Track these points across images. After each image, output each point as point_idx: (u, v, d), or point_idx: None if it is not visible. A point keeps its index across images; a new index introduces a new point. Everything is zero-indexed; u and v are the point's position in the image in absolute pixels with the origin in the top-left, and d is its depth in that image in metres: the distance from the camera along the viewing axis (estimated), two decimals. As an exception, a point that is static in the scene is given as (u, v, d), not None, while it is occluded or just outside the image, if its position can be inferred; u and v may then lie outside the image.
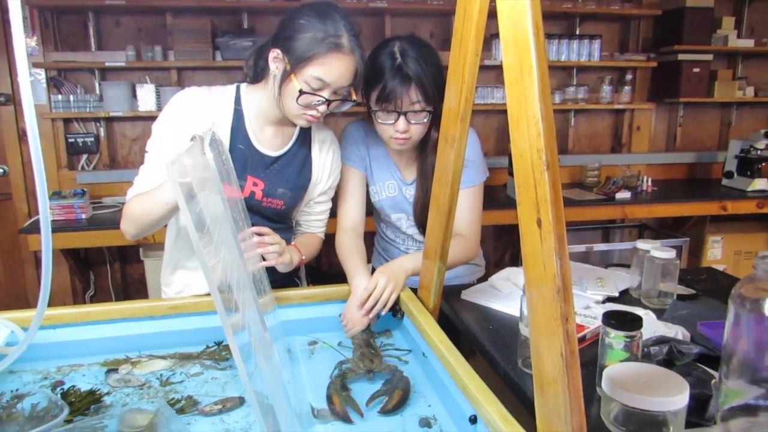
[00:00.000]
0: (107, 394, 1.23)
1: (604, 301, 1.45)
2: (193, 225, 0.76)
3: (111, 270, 3.57)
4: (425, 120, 1.50)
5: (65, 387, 1.23)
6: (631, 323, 0.98)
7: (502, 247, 3.95)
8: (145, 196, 1.36)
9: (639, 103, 3.99)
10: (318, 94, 1.35)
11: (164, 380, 1.29)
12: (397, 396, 1.16)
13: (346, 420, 1.12)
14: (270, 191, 1.50)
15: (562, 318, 0.77)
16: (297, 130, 1.54)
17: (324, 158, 1.59)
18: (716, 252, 3.92)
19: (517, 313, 1.36)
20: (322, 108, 1.39)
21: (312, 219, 1.66)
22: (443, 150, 1.24)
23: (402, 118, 1.47)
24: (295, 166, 1.54)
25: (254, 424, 1.13)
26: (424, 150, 1.59)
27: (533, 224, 0.82)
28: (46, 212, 0.83)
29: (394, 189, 1.69)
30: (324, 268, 3.57)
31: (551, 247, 0.78)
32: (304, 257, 1.52)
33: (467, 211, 1.61)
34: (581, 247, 3.51)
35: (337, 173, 1.64)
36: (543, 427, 0.85)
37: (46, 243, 0.87)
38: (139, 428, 1.12)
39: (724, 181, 3.80)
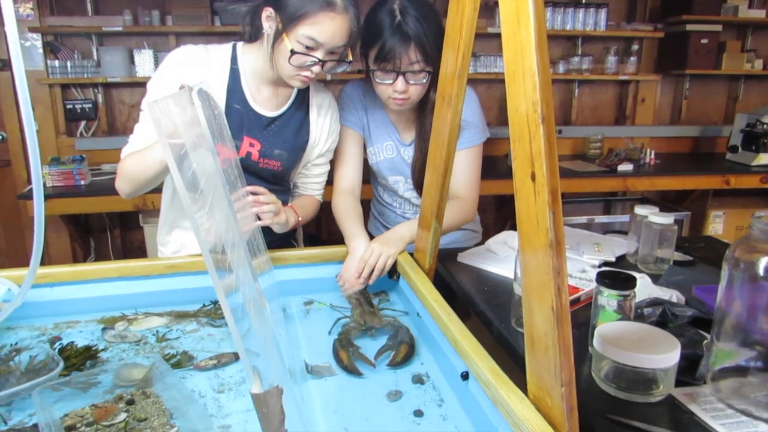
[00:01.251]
0: (103, 349, 1.24)
1: (600, 266, 1.45)
2: (183, 185, 0.76)
3: (111, 236, 3.57)
4: (424, 80, 1.48)
5: (63, 343, 1.24)
6: (625, 283, 0.98)
7: (502, 217, 3.94)
8: (140, 154, 1.35)
9: (645, 75, 3.94)
10: (310, 54, 1.33)
11: (160, 336, 1.30)
12: (403, 349, 1.17)
13: (356, 373, 1.13)
14: (267, 152, 1.49)
15: (554, 272, 0.77)
16: (294, 91, 1.53)
17: (322, 120, 1.57)
18: (718, 227, 3.91)
19: (512, 276, 1.36)
20: (316, 69, 1.37)
21: (310, 181, 1.65)
22: (440, 109, 1.22)
23: (401, 78, 1.45)
24: (292, 127, 1.53)
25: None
26: (423, 111, 1.58)
27: (527, 179, 0.81)
28: (37, 162, 0.82)
29: (392, 150, 1.68)
30: (324, 237, 3.57)
31: (545, 201, 0.78)
32: (300, 218, 1.51)
33: (465, 174, 1.60)
34: (582, 219, 3.50)
35: (336, 135, 1.62)
36: (533, 381, 0.85)
37: (38, 196, 0.87)
38: (134, 382, 1.13)
39: (729, 156, 3.78)
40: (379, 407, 1.04)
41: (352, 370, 1.13)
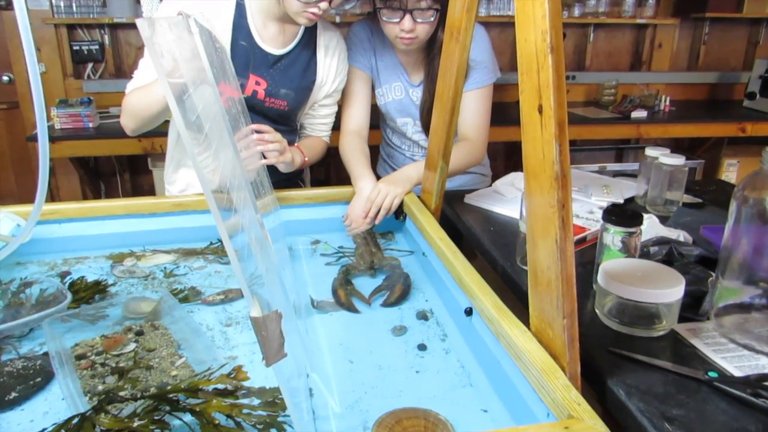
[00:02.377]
0: (112, 284, 1.26)
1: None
2: (184, 126, 0.75)
3: (121, 181, 3.59)
4: (432, 18, 1.44)
5: (73, 277, 1.25)
6: (631, 220, 0.97)
7: (512, 165, 3.90)
8: (143, 90, 1.34)
9: (663, 18, 3.83)
10: None
11: (168, 272, 1.32)
12: (398, 291, 1.18)
13: (353, 310, 1.14)
14: (273, 91, 1.47)
15: (558, 204, 0.76)
16: (301, 29, 1.49)
17: (330, 60, 1.55)
18: (731, 175, 3.86)
19: (518, 217, 1.35)
20: (323, 5, 1.33)
21: (317, 122, 1.63)
22: (448, 44, 1.19)
23: (408, 17, 1.42)
24: (299, 66, 1.50)
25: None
26: (432, 51, 1.54)
27: (534, 112, 0.80)
28: (39, 90, 0.81)
29: (401, 91, 1.65)
30: (333, 183, 3.56)
31: (551, 134, 0.76)
32: (306, 159, 1.50)
33: (473, 115, 1.58)
34: (593, 167, 3.47)
35: (344, 75, 1.60)
36: (535, 314, 0.86)
37: (42, 127, 0.86)
38: (143, 315, 1.15)
39: (746, 103, 3.69)
40: (383, 341, 1.05)
41: (349, 307, 1.15)
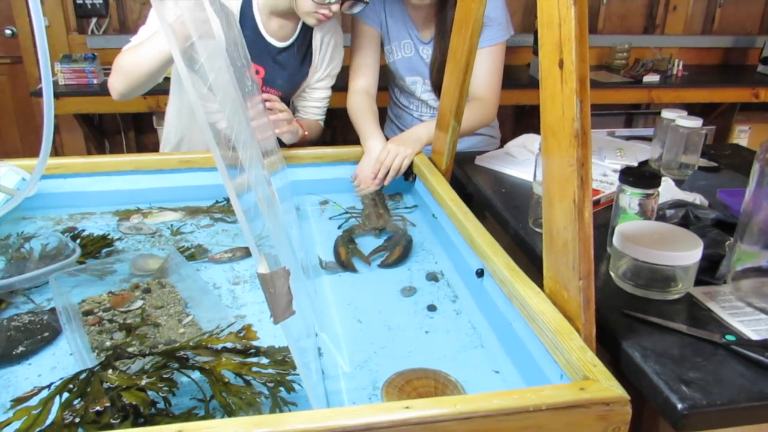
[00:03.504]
0: (119, 239, 1.25)
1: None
2: (184, 67, 0.72)
3: (126, 139, 3.55)
4: None
5: (78, 232, 1.24)
6: (649, 181, 0.95)
7: (521, 129, 3.85)
8: (138, 46, 1.30)
9: (678, -21, 3.72)
10: None
11: (175, 230, 1.30)
12: (397, 251, 1.16)
13: (351, 269, 1.13)
14: (270, 80, 1.49)
15: (577, 163, 0.73)
16: (300, 23, 1.50)
17: (325, 46, 1.56)
18: (742, 142, 3.80)
19: (531, 179, 1.33)
20: (335, 7, 1.34)
21: (309, 105, 1.62)
22: (464, -2, 1.15)
23: None
24: (297, 59, 1.52)
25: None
26: (444, 6, 1.50)
27: (554, 67, 0.77)
28: (43, 39, 0.79)
29: (410, 49, 1.61)
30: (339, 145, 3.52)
31: (572, 89, 0.73)
32: (306, 133, 1.49)
33: (485, 74, 1.54)
34: (602, 132, 3.41)
35: (338, 61, 1.60)
36: (550, 275, 0.84)
37: (46, 77, 0.84)
38: (150, 272, 1.14)
39: (760, 68, 3.61)
40: (392, 302, 1.04)
41: (348, 266, 1.14)
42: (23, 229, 1.27)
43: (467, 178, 1.44)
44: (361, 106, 1.53)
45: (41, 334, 0.95)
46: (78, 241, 1.18)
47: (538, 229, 1.13)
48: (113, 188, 1.41)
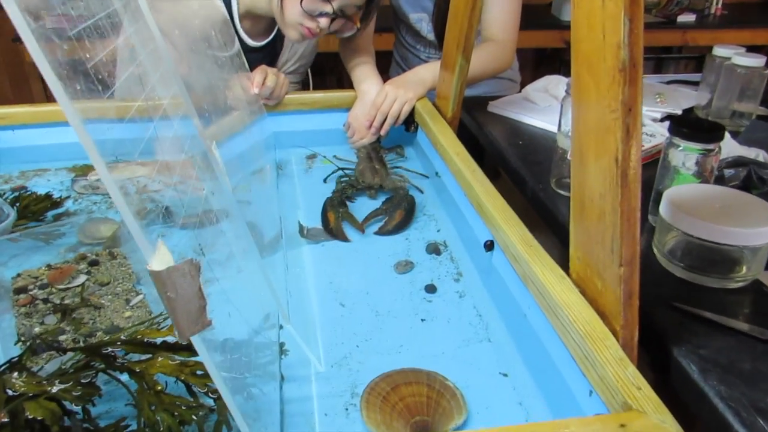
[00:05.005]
0: (70, 199, 1.07)
1: (662, 119, 1.19)
2: None
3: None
4: None
5: (21, 193, 1.07)
6: (710, 132, 0.74)
7: (541, 75, 3.59)
8: None
9: None
10: (326, 1, 1.12)
11: (140, 187, 1.12)
12: (398, 216, 0.97)
13: (341, 238, 0.95)
14: None
15: (623, 108, 0.53)
16: (276, 27, 1.34)
17: (298, 47, 1.39)
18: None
19: (554, 129, 1.12)
20: (323, 23, 1.15)
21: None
22: None
23: None
24: (267, 59, 1.35)
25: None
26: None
27: (593, -22, 0.56)
28: None
29: (414, -22, 1.38)
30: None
31: (618, 4, 0.53)
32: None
33: (502, 11, 1.31)
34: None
35: (308, 60, 1.44)
36: (578, 256, 0.65)
37: None
38: (101, 239, 0.97)
39: (809, 6, 3.30)
40: (384, 280, 0.86)
41: (337, 234, 0.95)
42: (-36, 187, 1.11)
43: (478, 128, 1.23)
44: (354, 42, 1.32)
45: (-44, 318, 0.79)
46: (11, 198, 1.01)
47: (561, 191, 0.93)
48: (70, 141, 1.22)
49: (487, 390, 0.67)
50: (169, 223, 0.59)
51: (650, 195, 0.83)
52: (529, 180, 0.99)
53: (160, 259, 0.37)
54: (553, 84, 1.30)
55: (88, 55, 0.39)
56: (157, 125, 0.50)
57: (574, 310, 0.61)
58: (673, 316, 0.65)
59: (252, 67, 1.31)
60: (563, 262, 0.69)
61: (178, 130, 0.58)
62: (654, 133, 1.06)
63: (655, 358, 0.62)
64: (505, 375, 0.69)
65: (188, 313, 0.38)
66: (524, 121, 1.22)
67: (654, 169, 0.83)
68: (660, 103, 1.24)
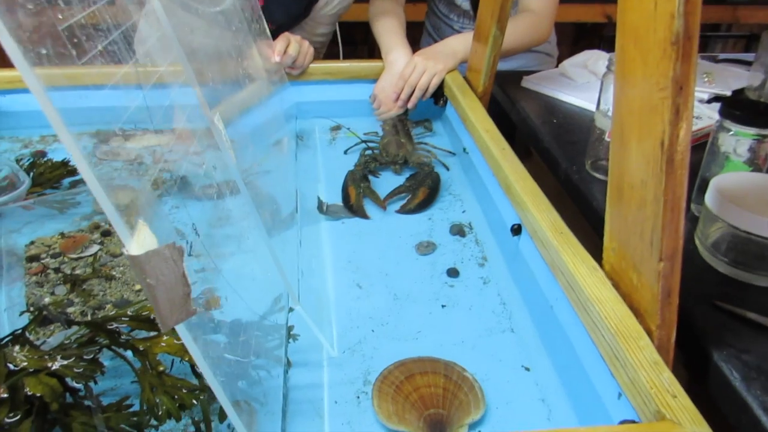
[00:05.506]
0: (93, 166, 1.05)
1: (709, 101, 1.11)
2: None
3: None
4: None
5: (38, 160, 1.05)
6: (765, 116, 0.68)
7: (580, 51, 3.47)
8: None
9: None
10: None
11: (158, 157, 1.10)
12: (421, 194, 0.93)
13: (361, 215, 0.91)
14: (268, 14, 1.20)
15: (674, 85, 0.48)
16: None
17: None
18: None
19: (592, 107, 1.06)
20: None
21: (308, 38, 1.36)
22: None
23: None
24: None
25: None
26: None
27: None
28: None
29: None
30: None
31: (673, -31, 0.47)
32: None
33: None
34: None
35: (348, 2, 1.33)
36: (613, 247, 0.60)
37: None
38: (119, 207, 0.95)
39: None
40: (404, 261, 0.82)
41: (357, 211, 0.91)
42: (-16, 151, 1.10)
43: (511, 104, 1.17)
44: (383, 10, 1.26)
45: (-33, 284, 0.78)
46: (28, 164, 0.99)
47: (597, 174, 0.88)
48: (93, 105, 1.20)
49: (507, 384, 0.63)
50: (167, 195, 0.56)
51: (694, 181, 0.77)
52: (562, 161, 0.93)
53: (140, 243, 0.33)
54: (593, 59, 1.23)
55: (60, 16, 0.35)
56: (149, 93, 0.46)
57: (606, 305, 0.56)
58: (715, 316, 0.59)
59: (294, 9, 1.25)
60: (596, 252, 0.64)
61: (175, 99, 0.53)
62: (700, 115, 0.99)
63: (691, 361, 0.58)
64: (528, 369, 0.65)
65: (170, 302, 0.35)
66: (560, 98, 1.15)
67: (698, 154, 0.76)
68: (708, 82, 1.16)
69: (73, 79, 0.34)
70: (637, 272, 0.55)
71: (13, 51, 0.27)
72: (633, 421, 0.49)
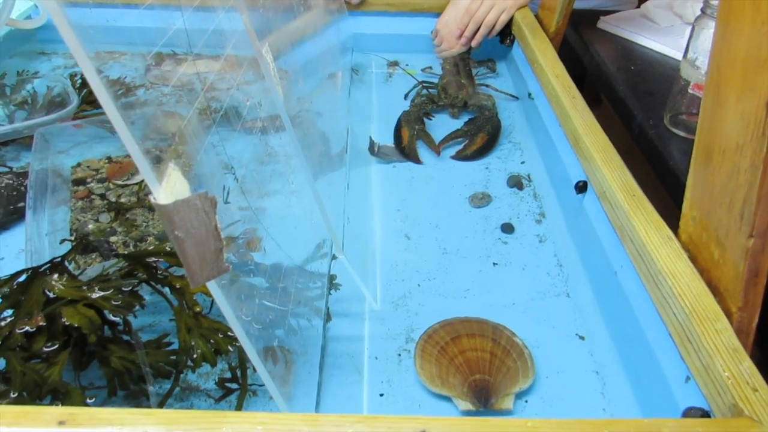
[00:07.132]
0: (142, 87, 1.03)
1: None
2: None
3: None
4: None
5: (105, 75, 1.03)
6: None
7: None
8: None
9: None
10: None
11: (208, 84, 1.07)
12: (480, 140, 0.87)
13: (414, 159, 0.86)
14: None
15: (792, 36, 0.41)
16: None
17: None
18: None
19: (676, 54, 0.97)
20: None
21: None
22: None
23: None
24: None
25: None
26: None
27: None
28: None
29: None
30: None
31: None
32: None
33: None
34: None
35: None
36: (693, 215, 0.54)
37: None
38: (166, 135, 0.93)
39: None
40: (456, 213, 0.78)
41: (409, 155, 0.86)
42: (40, 65, 1.09)
43: (584, 47, 1.08)
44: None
45: (15, 204, 0.77)
46: (85, 89, 0.97)
47: (677, 130, 0.80)
48: (149, 25, 1.17)
49: (559, 352, 0.59)
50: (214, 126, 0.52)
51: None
52: (637, 113, 0.85)
53: (169, 189, 0.29)
54: (680, 1, 1.11)
55: None
56: (190, 16, 0.41)
57: (681, 280, 0.50)
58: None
59: None
60: (669, 218, 0.58)
61: (221, 23, 0.49)
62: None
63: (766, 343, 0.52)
64: (582, 338, 0.61)
65: (201, 257, 0.32)
66: (640, 42, 1.05)
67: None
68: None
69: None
70: (720, 247, 0.49)
71: None
72: (701, 410, 0.45)
